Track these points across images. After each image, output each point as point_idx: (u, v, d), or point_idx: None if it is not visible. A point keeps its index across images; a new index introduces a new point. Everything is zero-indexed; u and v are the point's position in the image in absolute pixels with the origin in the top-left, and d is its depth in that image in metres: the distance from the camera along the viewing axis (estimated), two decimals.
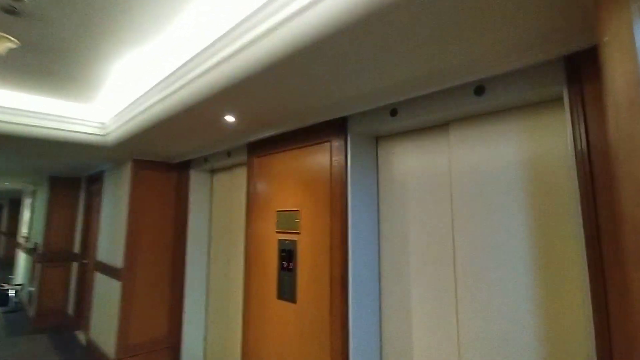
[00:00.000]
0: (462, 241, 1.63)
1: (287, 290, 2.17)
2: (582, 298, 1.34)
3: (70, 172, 4.66)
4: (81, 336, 3.96)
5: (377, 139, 2.10)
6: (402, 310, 1.83)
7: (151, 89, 2.09)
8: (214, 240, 3.43)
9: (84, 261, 4.37)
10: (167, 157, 3.35)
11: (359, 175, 1.97)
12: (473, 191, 1.64)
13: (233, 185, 3.21)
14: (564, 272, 1.38)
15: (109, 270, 3.39)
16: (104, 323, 3.31)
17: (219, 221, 3.42)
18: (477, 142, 1.67)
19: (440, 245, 1.73)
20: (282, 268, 2.23)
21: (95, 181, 4.38)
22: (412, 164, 1.91)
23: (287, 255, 2.20)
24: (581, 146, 1.24)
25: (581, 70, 1.26)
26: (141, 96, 2.21)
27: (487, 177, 1.61)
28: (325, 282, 1.94)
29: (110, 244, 3.54)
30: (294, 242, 2.17)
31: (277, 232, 2.31)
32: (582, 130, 1.24)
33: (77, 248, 4.80)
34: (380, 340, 1.90)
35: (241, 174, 3.09)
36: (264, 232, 2.43)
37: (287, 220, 2.24)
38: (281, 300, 2.20)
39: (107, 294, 3.40)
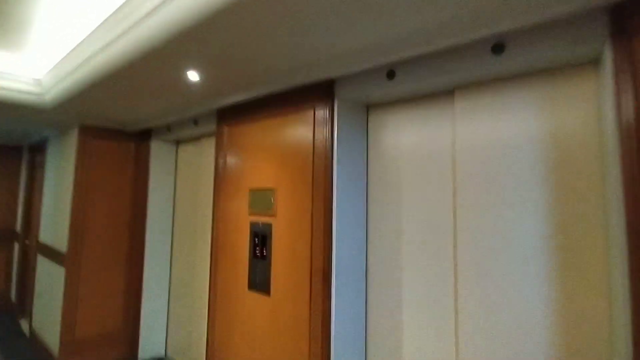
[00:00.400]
0: (466, 231, 1.40)
1: (260, 281, 1.89)
2: (607, 301, 1.15)
3: (8, 139, 4.06)
4: (25, 326, 3.53)
5: (368, 108, 1.81)
6: (392, 309, 1.60)
7: (91, 33, 1.67)
8: (179, 222, 3.07)
9: (26, 242, 3.87)
10: (122, 124, 2.91)
11: (346, 151, 1.68)
12: (480, 172, 1.40)
13: (201, 159, 2.84)
14: (588, 271, 1.18)
15: (52, 253, 2.96)
16: (48, 315, 2.91)
17: (184, 200, 3.05)
18: (488, 113, 1.42)
19: (439, 235, 1.50)
20: (254, 255, 1.94)
21: (39, 151, 3.83)
22: (408, 138, 1.65)
23: (261, 240, 1.91)
24: (628, 117, 1.01)
25: (631, 23, 1.02)
26: (80, 43, 1.77)
27: (497, 155, 1.37)
28: (304, 273, 1.67)
29: (54, 225, 3.09)
30: (268, 225, 1.88)
31: (249, 213, 2.01)
32: (630, 97, 1.01)
33: (19, 226, 4.26)
34: (366, 341, 1.67)
35: (210, 147, 2.73)
36: (234, 213, 2.11)
37: (262, 201, 1.93)
38: (253, 292, 1.92)
39: (50, 281, 2.98)
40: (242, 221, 2.05)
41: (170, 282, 3.04)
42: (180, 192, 3.09)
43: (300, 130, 1.78)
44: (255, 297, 1.90)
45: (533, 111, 1.32)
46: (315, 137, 1.71)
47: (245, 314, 1.95)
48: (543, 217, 1.26)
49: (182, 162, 3.11)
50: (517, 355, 1.27)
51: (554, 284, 1.23)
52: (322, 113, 1.70)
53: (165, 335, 2.99)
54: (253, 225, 1.97)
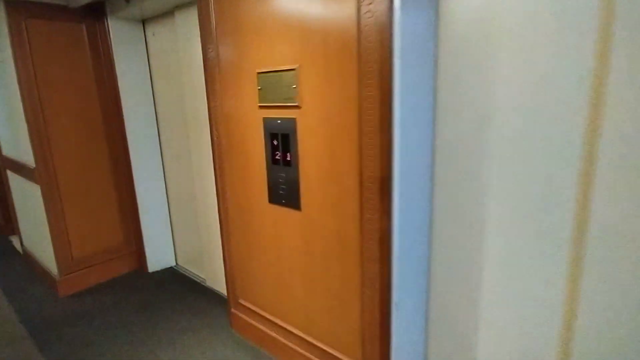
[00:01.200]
0: (615, 149, 0.94)
1: (284, 193, 1.49)
2: None
3: None
4: (17, 243, 3.27)
5: None
6: (467, 223, 1.24)
7: None
8: (165, 125, 2.53)
9: None
10: None
11: (412, 9, 1.09)
12: None
13: (178, 44, 2.16)
14: None
15: (21, 169, 2.48)
16: (36, 234, 2.58)
17: (167, 98, 2.46)
18: None
19: (558, 155, 1.03)
20: (274, 161, 1.50)
21: None
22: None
23: (282, 142, 1.44)
24: None
25: None
26: None
27: None
28: (350, 183, 1.26)
29: (14, 135, 2.53)
30: (290, 122, 1.39)
31: (260, 106, 1.49)
32: None
33: None
34: (429, 263, 1.37)
35: (188, 23, 2.03)
36: (238, 108, 1.59)
37: (277, 88, 1.40)
38: (276, 206, 1.55)
39: (26, 200, 2.58)
40: (250, 119, 1.55)
41: (167, 192, 2.67)
42: (160, 87, 2.47)
43: None
44: (280, 213, 1.53)
45: None
46: None
47: (267, 232, 1.61)
48: None
49: (155, 48, 2.41)
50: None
51: None
52: None
53: (172, 246, 2.75)
54: (267, 122, 1.48)
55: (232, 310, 1.93)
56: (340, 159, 1.27)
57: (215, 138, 1.74)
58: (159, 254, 2.70)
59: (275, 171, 1.50)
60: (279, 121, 1.43)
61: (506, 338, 1.21)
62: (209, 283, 2.42)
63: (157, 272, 2.68)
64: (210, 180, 2.06)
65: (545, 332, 1.11)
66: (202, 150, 2.14)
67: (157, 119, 2.56)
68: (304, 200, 1.43)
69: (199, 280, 2.51)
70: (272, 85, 1.42)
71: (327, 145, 1.30)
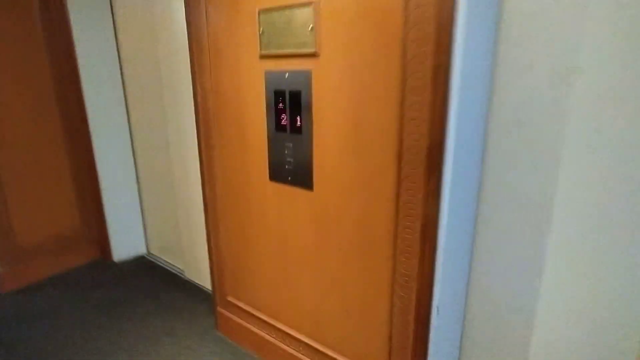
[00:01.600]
0: None
1: (292, 169, 1.18)
2: None
3: None
4: None
5: None
6: (522, 255, 0.99)
7: None
8: (134, 85, 2.12)
9: None
10: None
11: None
12: None
13: None
14: None
15: None
16: None
17: (135, 46, 2.04)
18: None
19: None
20: (278, 127, 1.18)
21: None
22: None
23: (291, 102, 1.12)
24: None
25: None
26: None
27: None
28: (384, 156, 0.97)
29: None
30: (304, 75, 1.07)
31: (262, 56, 1.16)
32: None
33: None
34: (471, 260, 1.11)
35: None
36: (231, 58, 1.25)
37: (287, 30, 1.07)
38: (279, 184, 1.24)
39: None
40: (247, 73, 1.21)
41: (136, 166, 2.27)
42: (127, 35, 2.05)
43: None
44: (285, 193, 1.22)
45: None
46: None
47: (268, 217, 1.31)
48: None
49: None
50: None
51: None
52: None
53: (142, 230, 2.38)
54: (271, 77, 1.15)
55: (219, 309, 1.63)
56: (371, 123, 0.98)
57: (199, 99, 1.39)
58: (126, 240, 2.33)
59: (280, 140, 1.18)
60: (287, 75, 1.11)
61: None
62: (189, 275, 2.08)
63: (125, 262, 2.31)
64: (193, 151, 1.71)
65: None
66: (182, 114, 1.77)
67: (123, 80, 2.13)
68: (317, 177, 1.13)
69: (176, 272, 2.17)
70: (279, 27, 1.08)
71: (354, 105, 1.00)
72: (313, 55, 1.03)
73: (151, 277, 2.13)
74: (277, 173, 1.22)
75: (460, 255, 1.07)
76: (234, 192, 1.40)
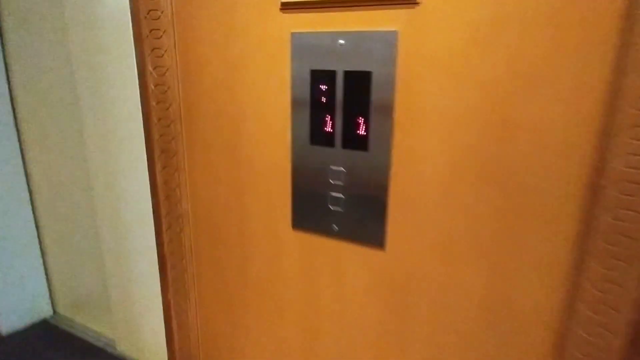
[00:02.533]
0: None
1: (341, 211, 0.66)
2: None
3: None
4: None
5: None
6: None
7: None
8: (25, 75, 1.38)
9: None
10: None
11: None
12: None
13: None
14: None
15: None
16: None
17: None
18: None
19: None
20: (314, 137, 0.65)
21: None
22: None
23: (347, 91, 0.61)
24: None
25: None
26: None
27: None
28: (559, 188, 0.51)
29: None
30: (384, 39, 0.56)
31: (284, 4, 0.62)
32: None
33: None
34: None
35: None
36: (218, 5, 0.68)
37: None
38: (311, 235, 0.71)
39: None
40: (253, 33, 0.66)
41: (30, 192, 1.52)
42: None
43: None
44: (324, 251, 0.70)
45: None
46: None
47: (286, 291, 0.77)
48: None
49: None
50: None
51: None
52: None
53: (44, 280, 1.62)
54: (302, 43, 0.62)
55: None
56: (536, 128, 0.52)
57: (150, 84, 0.79)
58: (19, 300, 1.55)
59: (320, 160, 0.66)
60: (341, 42, 0.59)
61: None
62: (123, 348, 1.41)
63: (17, 333, 1.53)
64: (133, 172, 1.08)
65: None
66: (114, 116, 1.12)
67: (6, 70, 1.38)
68: (396, 226, 0.63)
69: (99, 344, 1.47)
70: None
71: (493, 98, 0.53)
72: (409, 1, 0.54)
73: (61, 353, 1.41)
74: (311, 217, 0.70)
75: None
76: (220, 241, 0.83)
